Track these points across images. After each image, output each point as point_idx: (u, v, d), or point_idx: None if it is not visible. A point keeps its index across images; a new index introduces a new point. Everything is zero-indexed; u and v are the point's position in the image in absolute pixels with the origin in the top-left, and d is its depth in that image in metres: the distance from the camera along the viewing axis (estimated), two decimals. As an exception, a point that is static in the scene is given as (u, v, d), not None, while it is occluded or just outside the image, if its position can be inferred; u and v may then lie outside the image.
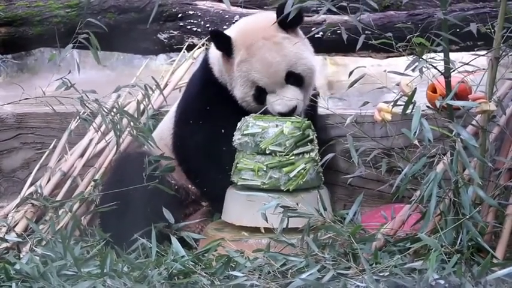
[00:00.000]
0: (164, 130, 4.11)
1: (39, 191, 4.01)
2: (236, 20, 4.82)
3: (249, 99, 3.84)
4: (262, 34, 3.79)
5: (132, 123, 3.88)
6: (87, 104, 3.75)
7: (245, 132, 3.58)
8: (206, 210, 3.99)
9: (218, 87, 3.92)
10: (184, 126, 3.98)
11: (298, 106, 3.77)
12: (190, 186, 4.00)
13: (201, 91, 4.00)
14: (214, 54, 3.97)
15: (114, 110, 3.85)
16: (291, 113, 3.75)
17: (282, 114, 3.75)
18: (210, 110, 3.92)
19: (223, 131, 3.82)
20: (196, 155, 3.92)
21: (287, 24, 3.74)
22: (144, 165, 3.72)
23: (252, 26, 3.87)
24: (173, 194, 3.77)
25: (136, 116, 3.96)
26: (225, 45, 3.83)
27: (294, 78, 3.80)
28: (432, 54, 3.14)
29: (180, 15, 4.96)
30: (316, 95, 3.99)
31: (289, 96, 3.76)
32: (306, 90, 3.85)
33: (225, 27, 4.81)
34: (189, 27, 4.95)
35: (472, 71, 3.25)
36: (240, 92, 3.83)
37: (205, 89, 3.99)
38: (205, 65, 4.04)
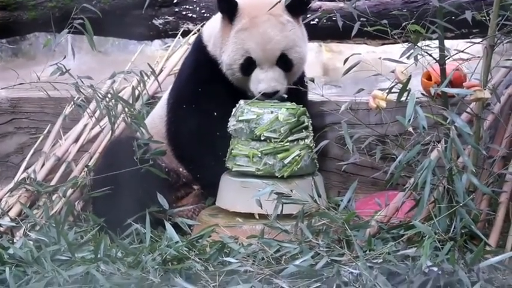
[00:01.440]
0: (155, 118, 4.10)
1: (32, 176, 4.01)
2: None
3: (235, 68, 3.84)
4: (270, 10, 3.78)
5: (126, 109, 3.88)
6: (81, 90, 3.74)
7: (240, 118, 3.58)
8: (198, 193, 3.99)
9: (211, 66, 3.92)
10: (178, 111, 3.98)
11: (280, 91, 3.79)
12: (181, 169, 4.00)
13: (194, 73, 4.00)
14: (210, 29, 3.98)
15: (109, 95, 3.85)
16: (272, 94, 3.77)
17: (264, 94, 3.76)
18: (204, 92, 3.92)
19: (216, 114, 3.83)
20: (191, 141, 3.92)
21: (294, 9, 3.78)
22: (134, 148, 3.73)
23: (262, 1, 3.85)
24: (165, 178, 3.78)
25: (131, 102, 3.96)
26: (230, 10, 3.83)
27: (285, 62, 3.82)
28: (427, 42, 3.14)
29: (175, 1, 4.95)
30: (311, 81, 3.99)
31: (276, 78, 3.78)
32: (290, 77, 3.86)
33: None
34: (184, 13, 4.94)
35: (467, 59, 3.25)
36: (230, 58, 3.84)
37: (198, 70, 3.98)
38: (198, 44, 4.04)
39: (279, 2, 3.63)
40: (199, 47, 4.02)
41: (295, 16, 3.85)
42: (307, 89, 3.81)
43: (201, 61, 3.98)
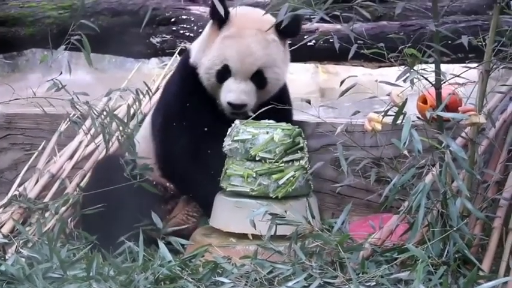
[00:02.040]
0: (139, 138, 4.06)
1: (24, 192, 4.00)
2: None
3: (212, 72, 3.86)
4: (259, 26, 3.82)
5: (121, 128, 3.88)
6: (77, 106, 3.74)
7: (235, 138, 3.58)
8: (184, 201, 3.97)
9: (198, 82, 3.92)
10: (168, 131, 3.98)
11: (248, 105, 3.81)
12: (168, 183, 3.99)
13: (182, 90, 4.00)
14: (198, 45, 4.00)
15: (104, 113, 3.85)
16: (239, 107, 3.80)
17: (230, 105, 3.79)
18: (192, 109, 3.93)
19: (206, 130, 3.85)
20: (183, 159, 3.92)
21: (283, 31, 3.79)
22: (122, 164, 3.74)
23: (254, 16, 3.91)
24: (155, 193, 3.79)
25: (125, 121, 3.96)
26: (222, 17, 3.85)
27: (260, 79, 3.84)
28: (423, 66, 3.14)
29: (173, 20, 4.96)
30: (307, 102, 4.00)
31: (247, 91, 3.80)
32: (262, 95, 3.87)
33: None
34: (181, 31, 4.95)
35: (463, 83, 3.26)
36: (210, 62, 3.86)
37: (186, 88, 3.99)
38: (185, 61, 4.05)
39: (273, 24, 3.64)
40: (185, 65, 4.04)
41: (282, 37, 3.88)
42: (291, 107, 3.83)
43: (187, 79, 3.99)
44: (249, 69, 3.83)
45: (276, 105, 3.45)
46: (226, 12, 3.85)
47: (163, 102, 4.10)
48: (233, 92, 3.81)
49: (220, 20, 3.88)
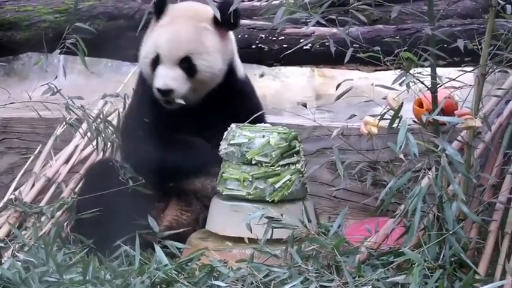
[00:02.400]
0: None
1: (20, 196, 3.99)
2: (226, 29, 4.84)
3: (146, 61, 3.89)
4: (192, 14, 3.86)
5: (115, 135, 3.89)
6: (73, 110, 3.74)
7: (231, 142, 3.58)
8: (176, 198, 3.95)
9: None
10: (123, 130, 3.98)
11: (175, 91, 3.79)
12: None
13: (136, 85, 4.08)
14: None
15: (100, 117, 3.85)
16: (166, 93, 3.79)
17: (158, 91, 3.79)
18: (144, 103, 3.94)
19: (160, 121, 3.87)
20: (138, 160, 3.89)
21: (221, 22, 3.76)
22: (115, 168, 3.76)
23: (190, 7, 3.95)
24: (149, 193, 3.79)
25: (117, 126, 3.96)
26: (160, 9, 3.90)
27: (188, 66, 3.83)
28: (419, 69, 3.15)
29: (168, 24, 4.95)
30: (303, 106, 4.01)
31: (173, 77, 3.79)
32: (195, 84, 3.85)
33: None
34: (177, 35, 4.94)
35: (459, 87, 3.26)
36: (145, 51, 3.90)
37: (138, 81, 4.05)
38: None
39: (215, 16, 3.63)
40: None
41: (220, 29, 3.87)
42: (261, 112, 3.81)
43: (141, 74, 4.03)
44: (176, 55, 3.82)
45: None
46: (164, 4, 3.89)
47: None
48: (160, 78, 3.81)
49: (158, 12, 3.91)
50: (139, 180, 3.79)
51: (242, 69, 4.07)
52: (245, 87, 4.06)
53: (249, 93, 4.06)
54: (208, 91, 3.90)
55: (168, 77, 3.80)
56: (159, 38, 3.86)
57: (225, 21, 3.69)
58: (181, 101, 3.80)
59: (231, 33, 3.97)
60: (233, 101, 3.92)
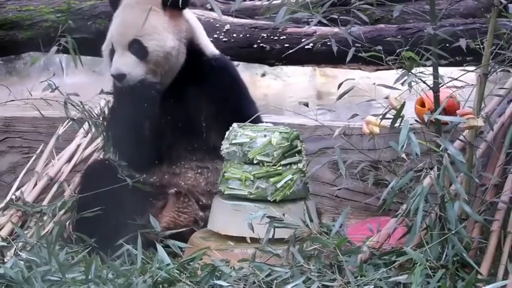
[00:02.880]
0: None
1: (22, 196, 4.00)
2: (227, 29, 4.84)
3: (106, 52, 3.91)
4: (141, 0, 3.86)
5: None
6: (73, 106, 3.75)
7: (233, 141, 3.58)
8: (174, 198, 3.96)
9: None
10: (107, 123, 4.00)
11: (128, 76, 3.79)
12: (151, 179, 3.99)
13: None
14: None
15: (101, 116, 3.86)
16: (118, 78, 3.79)
17: (113, 77, 3.81)
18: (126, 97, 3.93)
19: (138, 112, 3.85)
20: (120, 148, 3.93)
21: (168, 3, 3.81)
22: (113, 167, 3.77)
23: None
24: (148, 191, 3.79)
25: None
26: (114, 2, 3.95)
27: (138, 49, 3.82)
28: (421, 69, 3.15)
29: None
30: (305, 105, 4.00)
31: (124, 62, 3.80)
32: (150, 66, 3.84)
33: (215, 35, 4.82)
34: (179, 34, 4.94)
35: (461, 86, 3.26)
36: (105, 44, 3.92)
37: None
38: None
39: None
40: None
41: (170, 10, 3.85)
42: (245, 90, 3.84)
43: None
44: (125, 39, 3.83)
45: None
46: None
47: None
48: (113, 64, 3.82)
49: (114, 6, 3.95)
50: (137, 177, 3.80)
51: (213, 49, 4.04)
52: (217, 64, 4.01)
53: (221, 69, 4.01)
54: (174, 74, 3.89)
55: (119, 63, 3.80)
56: (112, 27, 3.91)
57: (172, 3, 3.74)
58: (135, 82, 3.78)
59: (188, 14, 3.97)
60: (204, 79, 3.91)
